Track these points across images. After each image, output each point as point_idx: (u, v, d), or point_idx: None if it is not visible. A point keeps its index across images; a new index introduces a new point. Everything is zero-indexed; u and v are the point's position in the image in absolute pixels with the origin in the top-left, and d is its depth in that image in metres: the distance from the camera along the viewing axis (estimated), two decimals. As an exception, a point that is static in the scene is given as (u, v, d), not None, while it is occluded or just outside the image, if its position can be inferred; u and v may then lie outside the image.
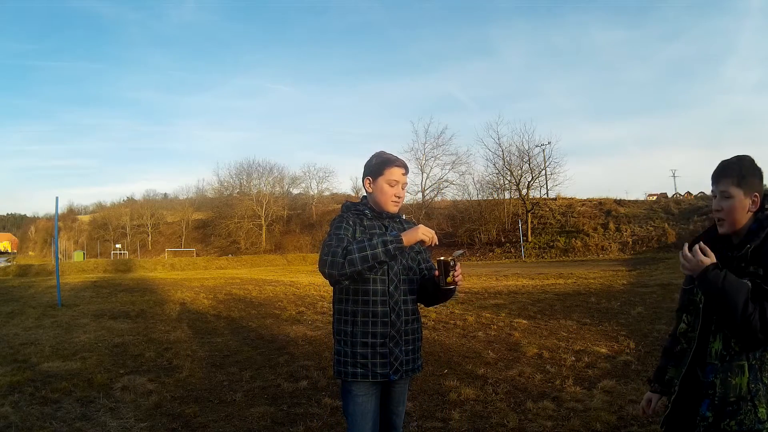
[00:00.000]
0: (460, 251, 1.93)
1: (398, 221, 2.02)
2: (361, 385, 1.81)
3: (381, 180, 1.92)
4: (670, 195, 38.91)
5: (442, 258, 1.80)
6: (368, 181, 1.96)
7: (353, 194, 41.72)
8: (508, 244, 27.98)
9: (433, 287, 1.88)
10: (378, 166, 1.94)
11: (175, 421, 3.37)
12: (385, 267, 1.84)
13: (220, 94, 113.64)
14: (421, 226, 1.77)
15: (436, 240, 1.79)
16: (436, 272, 1.80)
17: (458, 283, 1.81)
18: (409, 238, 1.73)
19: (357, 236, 1.85)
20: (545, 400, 3.52)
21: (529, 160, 29.38)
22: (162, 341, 6.03)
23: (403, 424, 2.02)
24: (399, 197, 1.94)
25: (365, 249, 1.69)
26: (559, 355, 4.75)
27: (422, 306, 2.03)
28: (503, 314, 7.20)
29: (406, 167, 1.96)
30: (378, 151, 1.99)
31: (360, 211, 1.94)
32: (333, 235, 1.82)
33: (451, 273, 1.78)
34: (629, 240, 24.18)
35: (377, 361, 1.80)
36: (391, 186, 1.92)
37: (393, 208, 1.94)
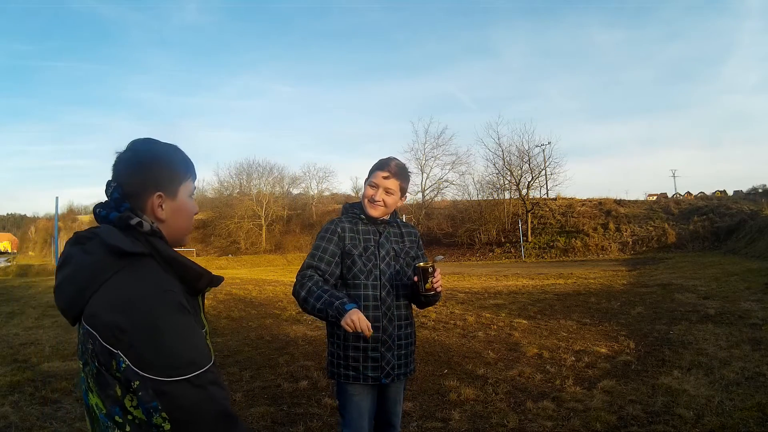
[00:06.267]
0: (440, 257, 1.94)
1: (395, 225, 2.00)
2: (356, 385, 1.83)
3: (366, 183, 1.94)
4: (670, 195, 38.94)
5: (420, 264, 1.78)
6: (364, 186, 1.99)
7: (353, 194, 41.71)
8: (508, 244, 27.97)
9: (413, 293, 1.88)
10: (371, 169, 1.95)
11: (175, 421, 3.37)
12: (377, 272, 1.85)
13: (221, 95, 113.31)
14: (351, 314, 1.63)
15: (365, 331, 1.63)
16: (415, 278, 1.80)
17: (437, 289, 1.80)
18: (346, 317, 1.63)
19: (346, 243, 1.86)
20: (545, 400, 3.52)
21: (529, 160, 29.42)
22: (162, 341, 6.02)
23: (402, 424, 2.03)
24: (375, 200, 1.89)
25: (321, 311, 1.71)
26: (559, 355, 4.75)
27: (417, 308, 2.03)
28: (503, 314, 7.19)
29: (390, 170, 1.90)
30: (391, 156, 1.99)
31: (356, 215, 1.94)
32: (312, 251, 1.86)
33: (430, 279, 1.76)
34: (629, 240, 24.17)
35: (368, 365, 1.81)
36: (371, 188, 1.91)
37: (371, 211, 1.91)
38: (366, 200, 1.92)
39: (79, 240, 0.97)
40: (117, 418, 0.90)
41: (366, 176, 1.98)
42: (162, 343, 0.87)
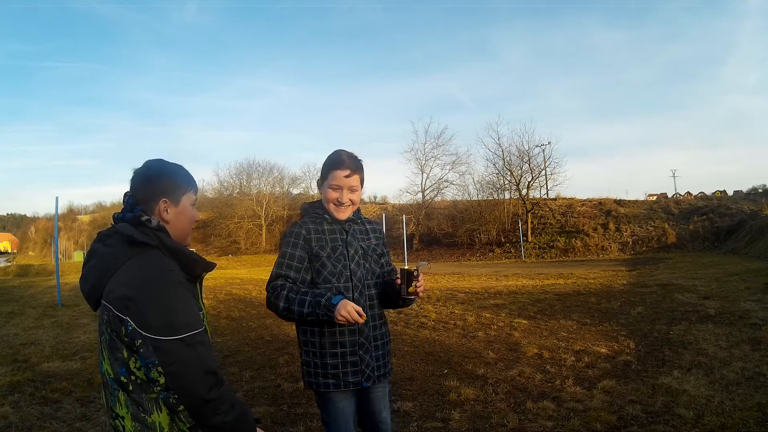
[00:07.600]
0: (425, 262, 1.93)
1: (360, 222, 1.92)
2: (338, 392, 1.77)
3: (325, 185, 1.82)
4: (670, 195, 38.92)
5: (405, 267, 1.76)
6: (319, 186, 1.87)
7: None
8: (508, 244, 27.95)
9: (394, 294, 1.83)
10: (324, 170, 1.83)
11: (175, 421, 3.36)
12: (348, 273, 1.79)
13: (221, 95, 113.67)
14: (341, 307, 1.61)
15: (358, 319, 1.63)
16: (398, 280, 1.77)
17: (419, 294, 1.78)
18: (336, 313, 1.61)
19: (313, 245, 1.77)
20: (545, 400, 3.52)
21: (529, 160, 29.37)
22: (162, 341, 6.01)
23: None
24: (343, 203, 1.79)
25: (311, 314, 1.64)
26: (559, 355, 4.75)
27: (388, 308, 1.97)
28: (503, 314, 7.19)
29: (350, 167, 1.78)
30: (338, 149, 1.84)
31: (319, 215, 1.84)
32: (279, 259, 1.76)
33: (414, 283, 1.74)
34: (629, 240, 24.16)
35: (348, 370, 1.75)
36: (334, 190, 1.79)
37: (340, 216, 1.81)
38: (331, 204, 1.81)
39: (101, 238, 1.21)
40: (122, 378, 1.11)
41: (321, 177, 1.86)
42: (162, 310, 1.09)
